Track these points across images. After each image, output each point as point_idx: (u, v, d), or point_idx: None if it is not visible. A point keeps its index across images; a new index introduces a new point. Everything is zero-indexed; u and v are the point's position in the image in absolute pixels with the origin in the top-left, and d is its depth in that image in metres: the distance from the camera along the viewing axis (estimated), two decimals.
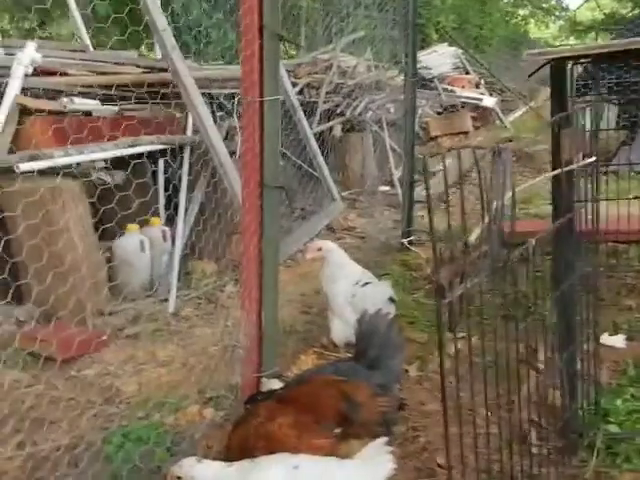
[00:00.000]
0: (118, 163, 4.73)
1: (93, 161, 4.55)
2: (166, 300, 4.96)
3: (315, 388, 2.68)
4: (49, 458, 2.85)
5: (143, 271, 5.16)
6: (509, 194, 2.02)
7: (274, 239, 3.15)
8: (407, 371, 3.65)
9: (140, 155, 4.83)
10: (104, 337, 4.12)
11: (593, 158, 2.62)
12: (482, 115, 12.12)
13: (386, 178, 8.47)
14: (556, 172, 2.44)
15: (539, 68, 2.84)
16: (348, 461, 2.27)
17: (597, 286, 3.08)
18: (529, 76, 4.81)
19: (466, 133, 10.54)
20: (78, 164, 4.51)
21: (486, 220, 1.91)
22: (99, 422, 3.25)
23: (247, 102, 2.94)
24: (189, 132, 5.53)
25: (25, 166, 4.11)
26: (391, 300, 3.75)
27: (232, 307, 4.75)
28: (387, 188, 8.26)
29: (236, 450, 2.57)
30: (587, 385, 2.84)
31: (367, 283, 3.83)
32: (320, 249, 3.95)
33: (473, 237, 1.91)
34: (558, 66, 2.67)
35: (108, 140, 4.68)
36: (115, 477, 2.68)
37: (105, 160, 4.70)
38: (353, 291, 3.79)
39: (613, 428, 2.78)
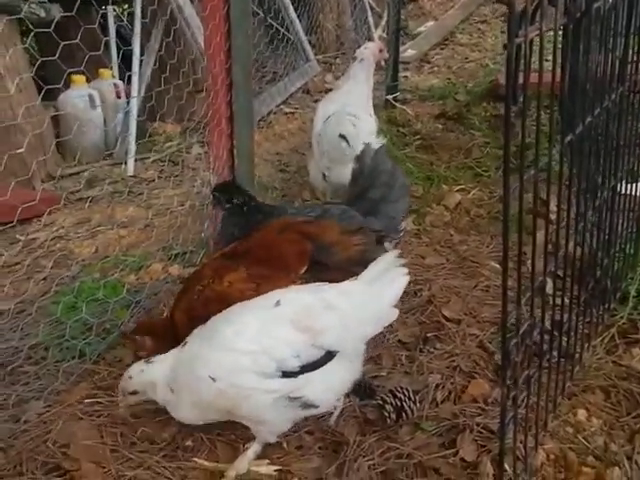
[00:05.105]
0: None
1: None
2: (124, 163, 4.41)
3: (269, 235, 2.18)
4: None
5: (95, 130, 4.54)
6: None
7: (246, 61, 2.58)
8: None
9: None
10: (54, 199, 3.59)
11: None
12: None
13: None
14: None
15: None
16: (346, 284, 1.84)
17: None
18: None
19: None
20: None
21: None
22: (49, 286, 2.80)
23: None
24: None
25: None
26: (341, 137, 3.17)
27: (200, 168, 4.26)
28: None
29: (183, 327, 2.02)
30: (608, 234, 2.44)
31: (329, 118, 3.27)
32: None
33: None
34: None
35: None
36: (63, 337, 2.24)
37: None
38: (320, 129, 3.26)
39: None
